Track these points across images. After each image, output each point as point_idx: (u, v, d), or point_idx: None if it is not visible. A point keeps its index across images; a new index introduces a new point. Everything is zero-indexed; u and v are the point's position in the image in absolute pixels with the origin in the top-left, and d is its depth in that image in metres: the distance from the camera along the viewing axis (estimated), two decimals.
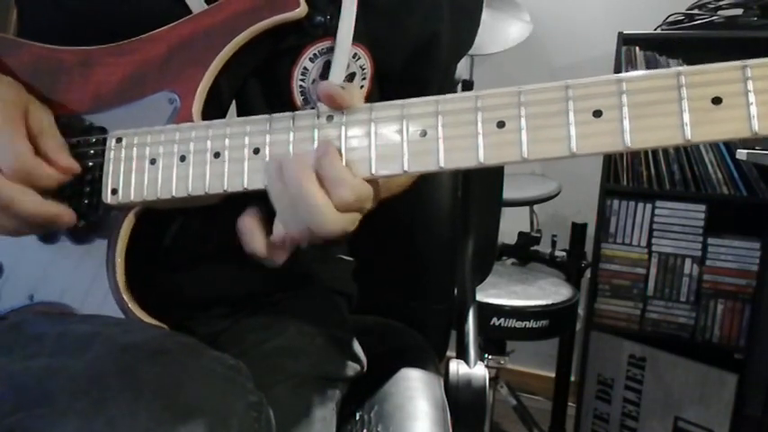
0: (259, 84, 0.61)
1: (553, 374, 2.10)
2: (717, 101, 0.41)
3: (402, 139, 0.48)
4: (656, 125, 0.42)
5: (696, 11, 1.84)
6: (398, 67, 0.65)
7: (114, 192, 0.55)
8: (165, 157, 0.54)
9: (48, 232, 0.58)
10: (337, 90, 0.49)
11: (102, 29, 0.59)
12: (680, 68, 0.42)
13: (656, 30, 1.91)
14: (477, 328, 0.91)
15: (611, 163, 1.94)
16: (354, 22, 0.59)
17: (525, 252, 2.04)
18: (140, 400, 0.43)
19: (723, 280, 1.89)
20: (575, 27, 2.19)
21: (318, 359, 0.67)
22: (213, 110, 0.57)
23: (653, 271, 1.95)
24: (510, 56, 1.95)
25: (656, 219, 1.93)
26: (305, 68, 0.60)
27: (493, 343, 1.91)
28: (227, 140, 0.52)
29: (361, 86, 0.62)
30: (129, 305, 0.55)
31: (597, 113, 0.44)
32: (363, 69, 0.62)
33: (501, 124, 0.46)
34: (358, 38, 0.60)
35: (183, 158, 0.53)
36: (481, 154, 0.46)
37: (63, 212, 0.53)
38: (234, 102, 0.60)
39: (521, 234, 2.04)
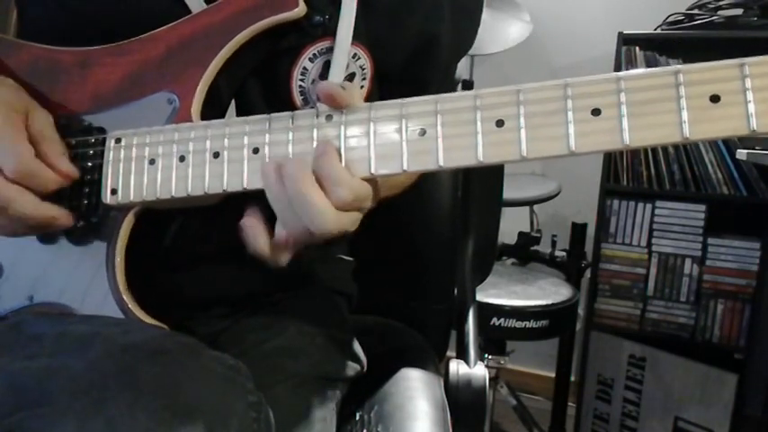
0: (258, 84, 0.61)
1: (553, 374, 2.10)
2: (715, 99, 0.41)
3: (401, 138, 0.48)
4: (654, 123, 0.42)
5: (696, 11, 1.84)
6: (398, 67, 0.65)
7: (114, 192, 0.55)
8: (164, 158, 0.54)
9: (46, 233, 0.58)
10: (338, 89, 0.49)
11: (102, 29, 0.59)
12: (678, 66, 0.42)
13: (656, 30, 1.91)
14: (477, 328, 0.91)
15: (611, 163, 1.94)
16: (354, 22, 0.59)
17: (525, 252, 2.04)
18: (140, 400, 0.43)
19: (723, 280, 1.88)
20: (575, 27, 2.19)
21: (318, 359, 0.67)
22: (212, 110, 0.57)
23: (653, 271, 1.95)
24: (510, 56, 1.95)
25: (656, 219, 1.93)
26: (304, 68, 0.60)
27: (493, 343, 1.91)
28: (226, 140, 0.52)
29: (361, 86, 0.62)
30: (129, 305, 0.55)
31: (596, 112, 0.44)
32: (363, 69, 0.62)
33: (500, 123, 0.46)
34: (358, 38, 0.60)
35: (182, 158, 0.53)
36: (480, 153, 0.46)
37: (60, 215, 0.54)
38: (233, 102, 0.60)
39: (521, 234, 2.04)
